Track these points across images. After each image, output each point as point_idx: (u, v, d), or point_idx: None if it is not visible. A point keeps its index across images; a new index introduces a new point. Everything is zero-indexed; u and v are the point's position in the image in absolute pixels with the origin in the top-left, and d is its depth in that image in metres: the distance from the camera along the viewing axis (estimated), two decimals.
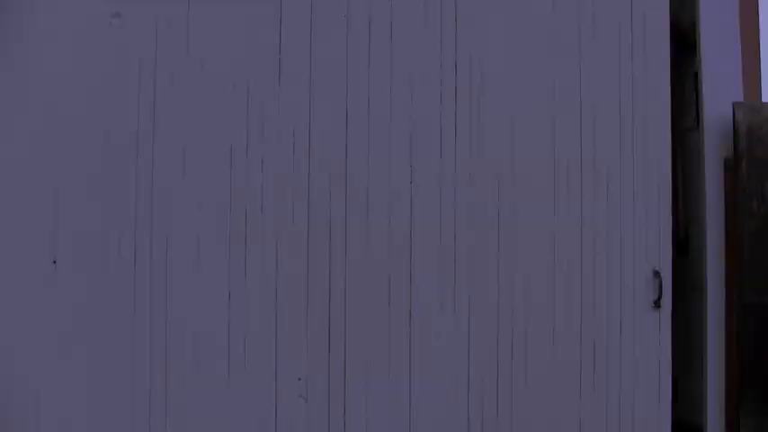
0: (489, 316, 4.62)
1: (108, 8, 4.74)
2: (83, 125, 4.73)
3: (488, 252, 4.64)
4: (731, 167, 5.01)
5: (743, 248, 4.92)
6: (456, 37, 4.64)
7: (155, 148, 4.71)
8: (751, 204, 4.95)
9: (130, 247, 4.67)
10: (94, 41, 4.75)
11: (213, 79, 4.73)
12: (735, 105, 5.02)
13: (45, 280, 4.66)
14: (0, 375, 4.61)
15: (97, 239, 4.68)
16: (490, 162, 4.67)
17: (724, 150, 5.09)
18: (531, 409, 4.62)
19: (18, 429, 4.52)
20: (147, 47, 4.74)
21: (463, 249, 4.62)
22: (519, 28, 4.72)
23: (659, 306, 4.72)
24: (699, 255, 5.21)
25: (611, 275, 4.71)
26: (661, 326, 4.74)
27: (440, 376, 4.57)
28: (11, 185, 4.70)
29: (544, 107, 4.72)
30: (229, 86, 4.73)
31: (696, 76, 5.27)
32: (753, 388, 4.86)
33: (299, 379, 4.48)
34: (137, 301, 4.65)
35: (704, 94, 5.18)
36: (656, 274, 4.71)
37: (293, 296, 4.54)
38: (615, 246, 4.71)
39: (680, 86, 5.50)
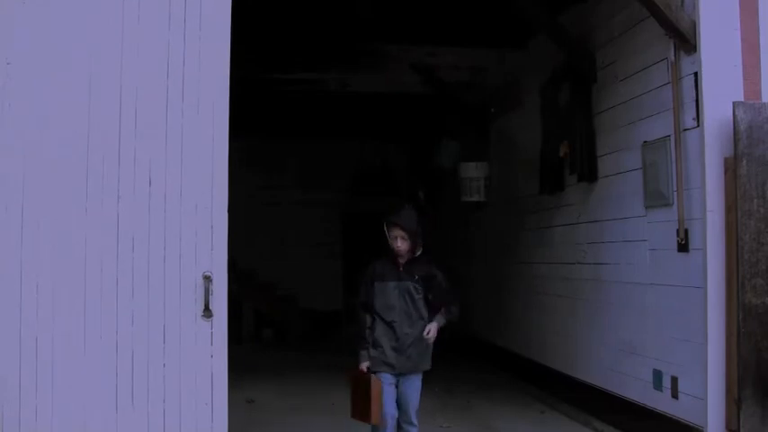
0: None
1: None
2: None
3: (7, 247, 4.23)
4: (731, 167, 5.01)
5: (743, 248, 4.92)
6: None
7: None
8: (751, 204, 4.94)
9: None
10: None
11: None
12: (735, 105, 5.01)
13: None
14: None
15: None
16: (11, 158, 4.27)
17: (724, 150, 5.09)
18: (58, 421, 4.19)
19: None
20: None
21: None
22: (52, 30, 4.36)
23: (211, 315, 4.28)
24: (699, 255, 5.22)
25: (152, 279, 4.29)
26: (213, 336, 4.30)
27: None
28: None
29: (80, 104, 4.33)
30: None
31: (696, 76, 5.27)
32: (753, 388, 4.86)
33: None
34: None
35: (704, 94, 5.18)
36: (208, 278, 4.27)
37: None
38: (158, 248, 4.30)
39: (679, 86, 5.51)
